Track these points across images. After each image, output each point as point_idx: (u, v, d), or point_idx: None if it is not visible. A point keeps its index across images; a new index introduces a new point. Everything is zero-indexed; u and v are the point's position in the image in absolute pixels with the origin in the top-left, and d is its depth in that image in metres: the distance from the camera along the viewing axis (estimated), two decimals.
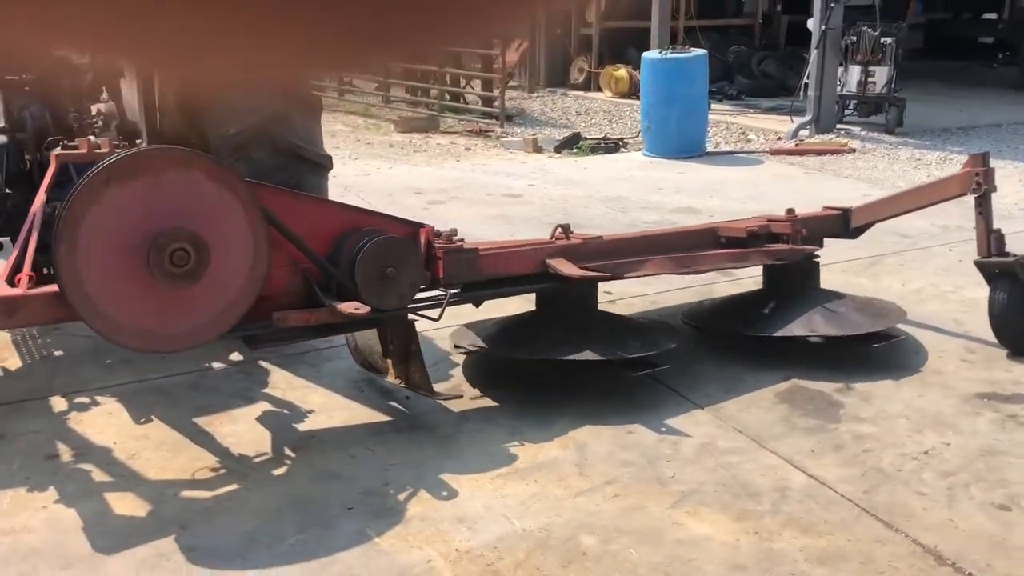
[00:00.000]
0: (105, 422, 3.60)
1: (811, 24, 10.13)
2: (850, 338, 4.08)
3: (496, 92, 12.41)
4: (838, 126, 10.36)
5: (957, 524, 2.92)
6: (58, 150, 3.77)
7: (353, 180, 8.18)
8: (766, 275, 4.40)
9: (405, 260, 3.40)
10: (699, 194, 7.72)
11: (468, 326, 4.03)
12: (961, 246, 5.80)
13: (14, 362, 4.19)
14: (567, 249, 3.82)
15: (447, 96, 12.78)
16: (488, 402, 3.79)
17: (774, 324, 4.12)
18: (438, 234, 3.59)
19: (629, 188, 7.98)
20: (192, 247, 2.92)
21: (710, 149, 9.82)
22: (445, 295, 3.53)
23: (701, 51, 9.26)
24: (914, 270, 5.55)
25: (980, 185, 4.19)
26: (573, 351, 3.70)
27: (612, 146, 9.96)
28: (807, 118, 10.20)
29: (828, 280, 5.22)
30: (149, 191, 2.91)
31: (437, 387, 3.78)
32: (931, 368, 4.12)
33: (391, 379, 3.70)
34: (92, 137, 3.98)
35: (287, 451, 3.40)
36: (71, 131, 4.17)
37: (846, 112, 10.41)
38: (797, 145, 9.70)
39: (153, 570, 2.68)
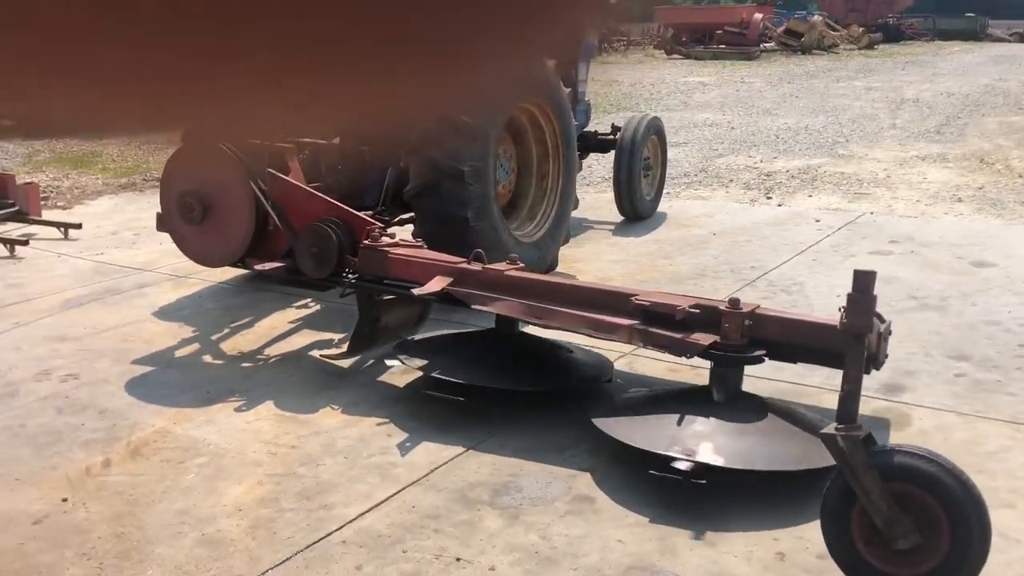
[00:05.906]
0: (268, 319, 5.53)
1: None
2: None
3: None
4: None
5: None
6: None
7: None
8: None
9: (326, 245, 4.49)
10: None
11: (419, 337, 4.65)
12: None
13: None
14: (463, 272, 4.17)
15: None
16: (394, 382, 4.48)
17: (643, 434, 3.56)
18: (374, 235, 4.47)
19: None
20: (197, 202, 4.75)
21: None
22: (345, 279, 4.44)
23: None
24: None
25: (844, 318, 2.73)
26: (447, 369, 4.13)
27: None
28: None
29: None
30: (191, 170, 4.84)
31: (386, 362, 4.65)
32: (726, 534, 3.07)
33: None
34: None
35: (251, 362, 4.82)
36: None
37: None
38: None
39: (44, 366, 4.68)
